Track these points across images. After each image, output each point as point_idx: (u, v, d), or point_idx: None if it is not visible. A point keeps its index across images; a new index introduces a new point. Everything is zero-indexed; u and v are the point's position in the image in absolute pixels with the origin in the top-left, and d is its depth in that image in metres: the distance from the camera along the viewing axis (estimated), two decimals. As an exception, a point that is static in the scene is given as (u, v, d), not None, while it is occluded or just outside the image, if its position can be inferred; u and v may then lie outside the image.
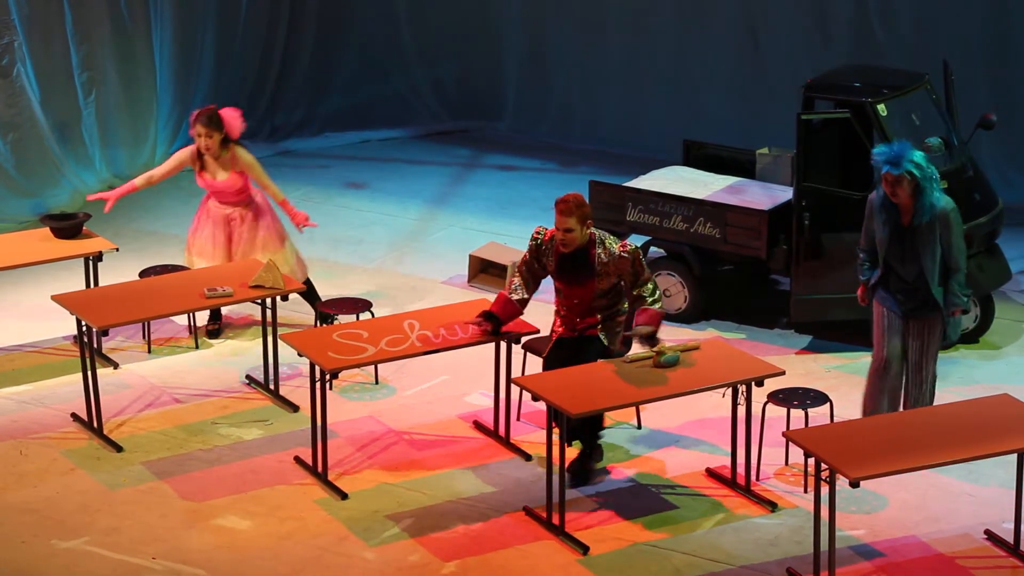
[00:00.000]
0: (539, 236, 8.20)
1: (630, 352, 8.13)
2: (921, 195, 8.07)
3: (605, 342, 8.15)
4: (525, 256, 8.26)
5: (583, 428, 8.14)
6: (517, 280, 8.27)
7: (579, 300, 8.14)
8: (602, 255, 8.02)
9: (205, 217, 9.77)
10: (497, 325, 8.29)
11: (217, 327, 9.94)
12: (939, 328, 8.30)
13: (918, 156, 8.07)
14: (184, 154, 9.71)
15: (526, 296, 8.28)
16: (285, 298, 9.67)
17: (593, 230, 8.07)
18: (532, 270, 8.26)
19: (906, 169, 8.03)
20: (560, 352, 8.20)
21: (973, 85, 11.60)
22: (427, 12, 13.70)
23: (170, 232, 11.65)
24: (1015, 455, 7.46)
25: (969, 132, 9.86)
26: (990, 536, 7.78)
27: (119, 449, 8.63)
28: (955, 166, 9.71)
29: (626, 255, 8.01)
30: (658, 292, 8.09)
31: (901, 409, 8.46)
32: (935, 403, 8.41)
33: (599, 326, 8.15)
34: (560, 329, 8.26)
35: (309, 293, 9.93)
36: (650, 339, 8.00)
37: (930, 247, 8.14)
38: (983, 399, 7.78)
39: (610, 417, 8.81)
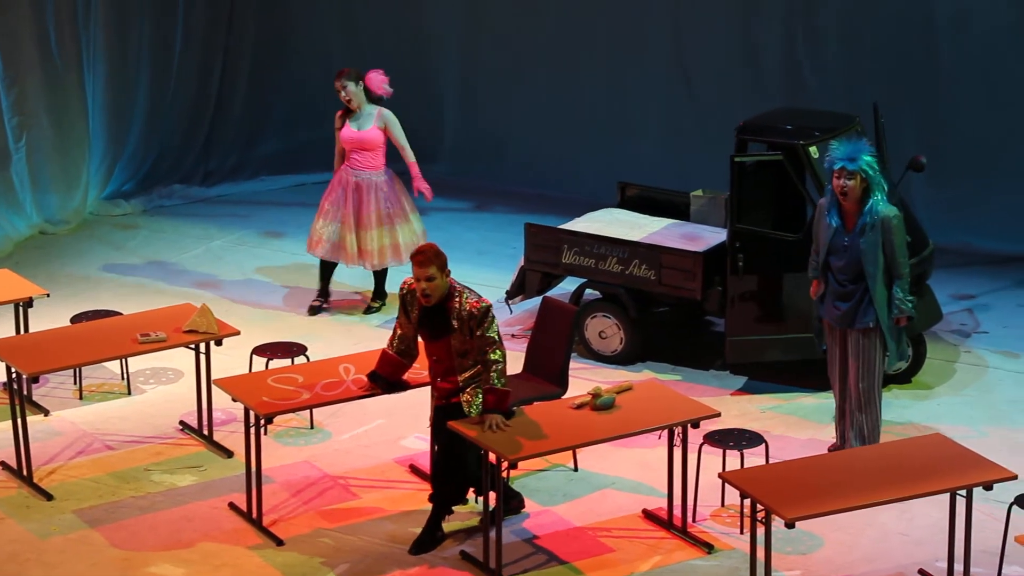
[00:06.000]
0: (404, 288, 7.90)
1: (566, 396, 8.11)
2: (868, 198, 8.28)
3: (468, 412, 7.78)
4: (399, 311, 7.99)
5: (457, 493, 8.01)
6: (399, 333, 8.00)
7: (438, 358, 7.83)
8: (458, 308, 7.71)
9: (337, 183, 10.59)
10: (386, 384, 8.10)
11: (320, 305, 10.78)
12: (878, 343, 8.38)
13: (872, 159, 8.27)
14: (337, 122, 10.61)
15: (412, 349, 8.00)
16: (219, 343, 9.62)
17: (455, 283, 7.78)
18: (403, 324, 7.97)
19: (861, 167, 8.21)
20: (435, 424, 7.99)
21: (902, 128, 11.72)
22: (363, 54, 13.69)
23: (103, 276, 11.55)
24: (947, 494, 7.50)
25: (899, 174, 9.95)
26: (923, 575, 7.81)
27: (49, 497, 8.52)
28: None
29: (476, 312, 7.67)
30: (502, 365, 7.71)
31: (845, 434, 8.54)
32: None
33: (464, 392, 7.79)
34: (432, 399, 8.04)
35: (381, 279, 10.82)
36: (506, 417, 7.77)
37: (872, 252, 8.28)
38: (916, 439, 7.83)
39: (547, 460, 8.80)
